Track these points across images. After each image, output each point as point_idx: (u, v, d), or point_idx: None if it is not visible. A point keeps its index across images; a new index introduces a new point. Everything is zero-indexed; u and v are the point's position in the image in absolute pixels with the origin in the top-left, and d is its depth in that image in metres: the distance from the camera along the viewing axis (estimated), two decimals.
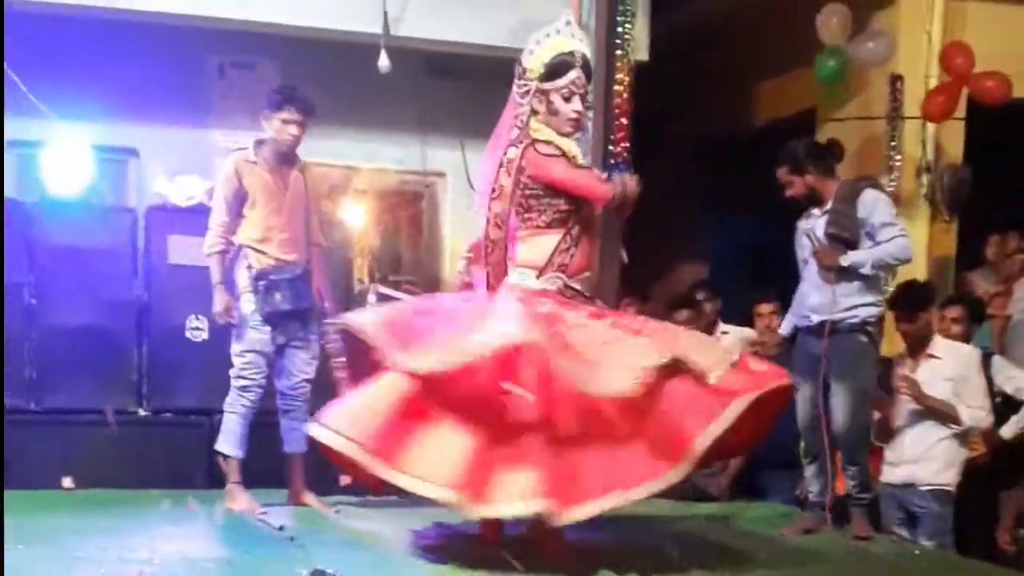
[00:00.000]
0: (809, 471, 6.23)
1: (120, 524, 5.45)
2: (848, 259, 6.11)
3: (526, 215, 5.02)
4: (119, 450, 6.93)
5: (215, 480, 6.44)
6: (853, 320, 6.15)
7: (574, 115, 5.00)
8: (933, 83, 8.39)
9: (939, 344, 6.49)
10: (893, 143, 8.49)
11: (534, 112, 5.05)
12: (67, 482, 6.69)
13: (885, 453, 6.40)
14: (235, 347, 6.25)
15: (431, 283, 8.86)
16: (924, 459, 6.26)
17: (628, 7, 7.26)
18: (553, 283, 5.01)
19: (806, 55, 8.51)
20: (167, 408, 7.32)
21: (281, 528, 5.49)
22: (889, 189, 7.99)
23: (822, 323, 6.18)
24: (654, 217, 8.20)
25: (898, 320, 6.48)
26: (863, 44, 8.40)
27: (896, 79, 8.44)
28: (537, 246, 5.02)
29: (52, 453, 6.78)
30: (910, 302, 6.48)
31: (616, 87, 7.29)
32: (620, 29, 7.31)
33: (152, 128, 8.10)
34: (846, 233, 6.17)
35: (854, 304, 6.15)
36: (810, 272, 6.35)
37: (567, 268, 4.99)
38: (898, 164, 8.49)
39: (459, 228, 8.58)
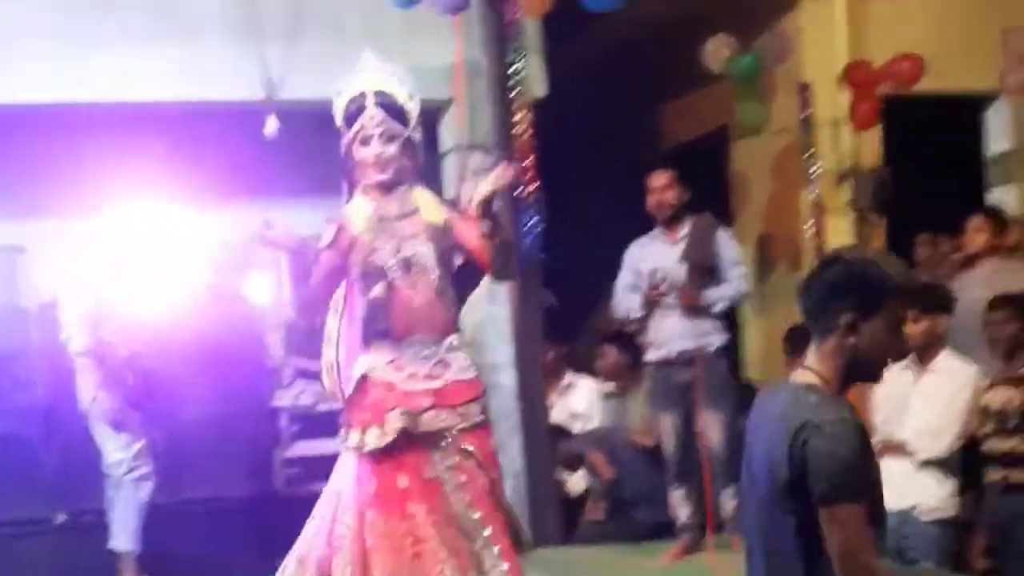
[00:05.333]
0: (677, 495, 6.85)
1: None
2: (707, 298, 6.88)
3: None
4: None
5: None
6: (712, 349, 6.89)
7: (372, 158, 4.68)
8: (844, 87, 8.57)
9: (946, 359, 6.54)
10: (811, 152, 8.64)
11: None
12: None
13: None
14: None
15: None
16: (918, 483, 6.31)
17: (520, 44, 7.32)
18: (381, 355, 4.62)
19: (709, 75, 8.62)
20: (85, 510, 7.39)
21: None
22: (812, 198, 8.41)
23: (685, 353, 6.87)
24: (575, 252, 8.43)
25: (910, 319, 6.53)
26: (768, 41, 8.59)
27: (804, 87, 8.64)
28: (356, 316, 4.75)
29: None
30: (930, 299, 6.61)
31: (516, 128, 7.33)
32: (514, 67, 7.33)
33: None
34: (707, 262, 6.93)
35: (711, 332, 6.90)
36: (666, 305, 6.95)
37: (388, 334, 4.62)
38: (818, 173, 8.61)
39: None
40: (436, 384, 4.55)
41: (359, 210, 4.72)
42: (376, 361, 4.56)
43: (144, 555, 6.68)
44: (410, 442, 4.48)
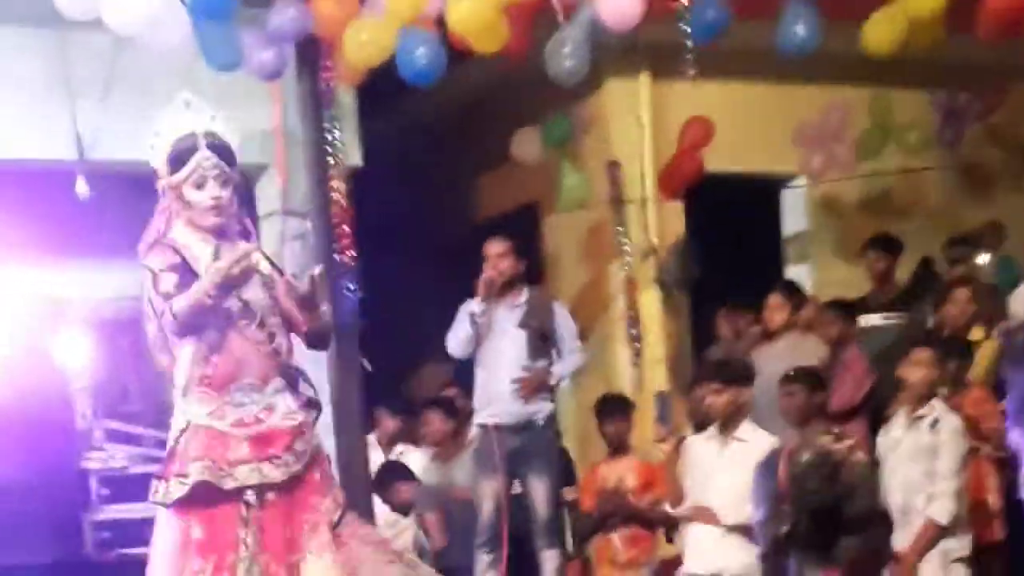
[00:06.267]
0: (485, 561, 6.92)
1: None
2: (555, 378, 7.20)
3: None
4: None
5: None
6: (541, 417, 7.09)
7: (211, 202, 4.43)
8: (648, 165, 8.81)
9: (746, 430, 6.72)
10: (620, 228, 8.80)
11: (178, 213, 4.52)
12: None
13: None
14: None
15: (161, 409, 8.40)
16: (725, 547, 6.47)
17: (335, 112, 7.32)
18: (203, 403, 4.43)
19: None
20: None
21: None
22: (623, 273, 8.63)
23: (516, 418, 7.03)
24: (394, 320, 8.44)
25: (708, 392, 6.77)
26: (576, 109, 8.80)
27: (613, 164, 8.79)
28: (179, 362, 4.46)
29: None
30: (731, 372, 6.84)
31: (332, 195, 7.33)
32: (328, 136, 7.34)
33: None
34: (546, 329, 7.10)
35: (542, 401, 7.10)
36: (499, 367, 7.04)
37: (211, 380, 4.44)
38: (628, 248, 8.77)
39: None
40: (258, 429, 4.41)
41: (198, 249, 4.44)
42: (198, 408, 4.40)
43: None
44: (217, 494, 4.35)
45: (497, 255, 7.06)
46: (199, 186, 4.40)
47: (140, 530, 7.30)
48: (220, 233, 4.47)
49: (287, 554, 4.40)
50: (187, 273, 4.35)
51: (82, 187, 7.35)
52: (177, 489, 4.33)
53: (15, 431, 7.30)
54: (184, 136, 4.43)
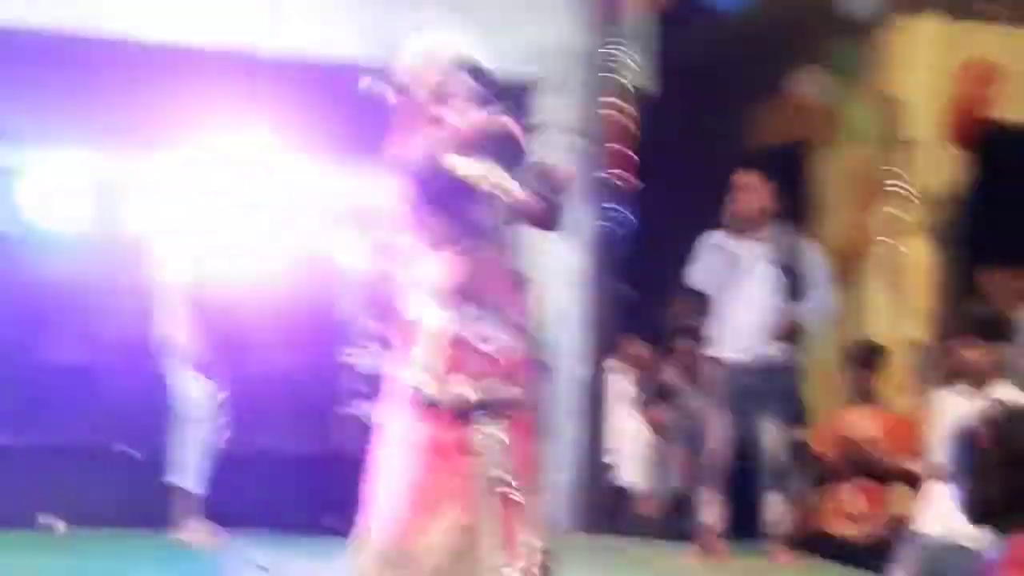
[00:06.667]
0: (710, 495, 6.80)
1: None
2: (802, 319, 6.82)
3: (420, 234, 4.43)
4: None
5: None
6: (781, 357, 6.84)
7: (470, 127, 4.38)
8: (932, 107, 8.58)
9: (1004, 389, 6.38)
10: (894, 170, 8.58)
11: (426, 131, 4.43)
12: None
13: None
14: None
15: None
16: None
17: (623, 36, 7.35)
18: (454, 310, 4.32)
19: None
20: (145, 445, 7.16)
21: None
22: (891, 216, 8.43)
23: (759, 358, 6.80)
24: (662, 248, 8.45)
25: (965, 346, 6.47)
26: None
27: (894, 103, 8.61)
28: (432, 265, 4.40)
29: None
30: (988, 327, 6.56)
31: (613, 113, 7.31)
32: (618, 55, 7.32)
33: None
34: (796, 268, 6.83)
35: (783, 340, 6.83)
36: (743, 303, 6.80)
37: (464, 289, 4.36)
38: (898, 191, 8.52)
39: None
40: (498, 345, 4.36)
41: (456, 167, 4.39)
42: (450, 315, 4.33)
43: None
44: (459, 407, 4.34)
45: (747, 187, 6.85)
46: (461, 111, 4.40)
47: None
48: (477, 152, 4.42)
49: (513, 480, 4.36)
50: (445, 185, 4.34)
51: (368, 84, 7.29)
52: (438, 393, 4.28)
53: (287, 323, 7.37)
54: (443, 57, 4.43)
